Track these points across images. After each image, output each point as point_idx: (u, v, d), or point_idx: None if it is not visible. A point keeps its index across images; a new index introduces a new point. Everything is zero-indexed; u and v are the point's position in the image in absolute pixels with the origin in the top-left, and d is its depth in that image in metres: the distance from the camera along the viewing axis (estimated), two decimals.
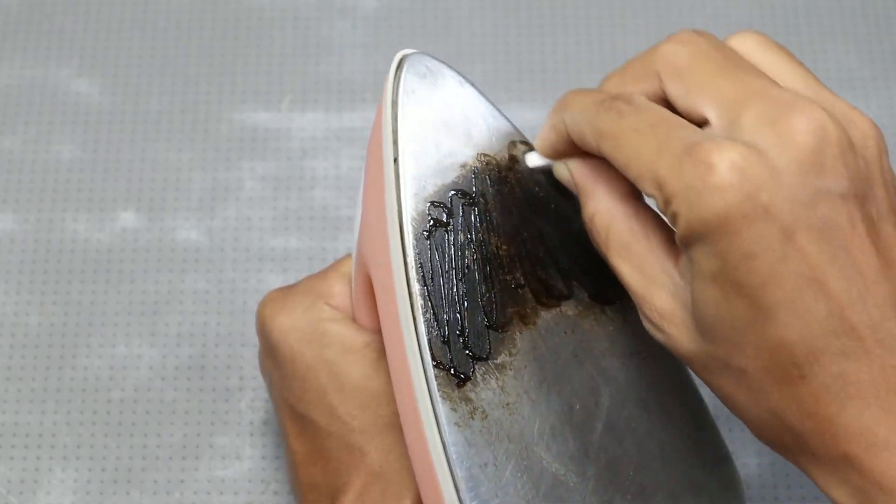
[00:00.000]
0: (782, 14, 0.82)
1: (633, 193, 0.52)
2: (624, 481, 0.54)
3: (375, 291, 0.57)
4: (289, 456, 0.62)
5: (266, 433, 0.71)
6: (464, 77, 0.56)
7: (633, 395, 0.54)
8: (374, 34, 0.81)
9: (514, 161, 0.56)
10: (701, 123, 0.49)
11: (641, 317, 0.51)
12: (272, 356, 0.62)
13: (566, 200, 0.56)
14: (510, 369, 0.53)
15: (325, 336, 0.61)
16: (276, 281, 0.75)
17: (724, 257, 0.46)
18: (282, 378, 0.62)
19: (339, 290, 0.62)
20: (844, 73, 0.81)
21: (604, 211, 0.52)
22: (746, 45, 0.51)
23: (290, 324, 0.61)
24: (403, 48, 0.57)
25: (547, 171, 0.55)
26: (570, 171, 0.53)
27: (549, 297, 0.54)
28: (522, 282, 0.54)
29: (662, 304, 0.49)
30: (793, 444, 0.48)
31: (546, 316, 0.54)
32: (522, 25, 0.82)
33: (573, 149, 0.53)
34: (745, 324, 0.47)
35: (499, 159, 0.55)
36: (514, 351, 0.53)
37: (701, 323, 0.48)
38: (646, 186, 0.48)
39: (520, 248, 0.54)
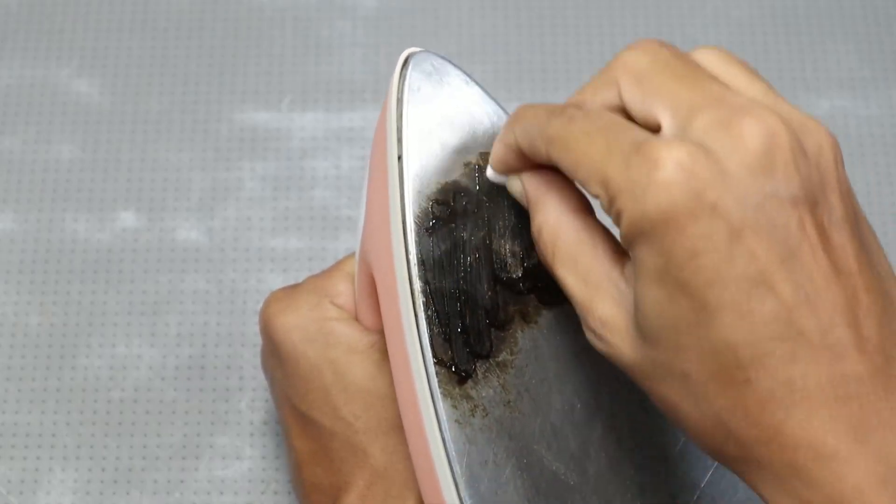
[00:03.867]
0: (782, 14, 0.82)
1: (582, 208, 0.51)
2: (624, 481, 0.54)
3: (378, 289, 0.57)
4: (291, 455, 0.62)
5: (266, 433, 0.71)
6: (469, 76, 0.56)
7: (634, 395, 0.54)
8: (374, 34, 0.81)
9: None
10: (655, 130, 0.48)
11: (584, 328, 0.50)
12: (275, 355, 0.62)
13: None
14: (511, 367, 0.53)
15: (329, 336, 0.61)
16: (276, 281, 0.75)
17: (669, 255, 0.45)
18: (285, 377, 0.62)
19: (344, 289, 0.62)
20: (844, 73, 0.81)
21: (552, 223, 0.51)
22: (708, 58, 0.50)
23: (295, 323, 0.61)
24: (403, 48, 0.57)
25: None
26: (523, 185, 0.52)
27: (552, 295, 0.54)
28: (525, 280, 0.54)
29: (605, 311, 0.48)
30: (738, 453, 0.47)
31: (548, 314, 0.54)
32: (522, 25, 0.82)
33: (525, 163, 0.52)
34: (689, 325, 0.46)
35: None
36: (515, 349, 0.53)
37: (643, 326, 0.47)
38: (592, 186, 0.47)
39: (522, 246, 0.54)
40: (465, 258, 0.54)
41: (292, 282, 0.69)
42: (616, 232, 0.48)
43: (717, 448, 0.47)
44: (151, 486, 0.70)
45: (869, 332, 0.46)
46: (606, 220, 0.49)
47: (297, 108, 0.79)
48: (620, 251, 0.49)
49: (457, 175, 0.54)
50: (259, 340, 0.67)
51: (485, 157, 0.55)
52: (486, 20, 0.82)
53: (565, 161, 0.49)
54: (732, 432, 0.46)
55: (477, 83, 0.56)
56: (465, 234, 0.54)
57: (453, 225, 0.54)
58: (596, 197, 0.48)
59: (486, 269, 0.54)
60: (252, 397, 0.72)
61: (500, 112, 0.56)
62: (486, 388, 0.53)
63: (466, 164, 0.55)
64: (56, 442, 0.71)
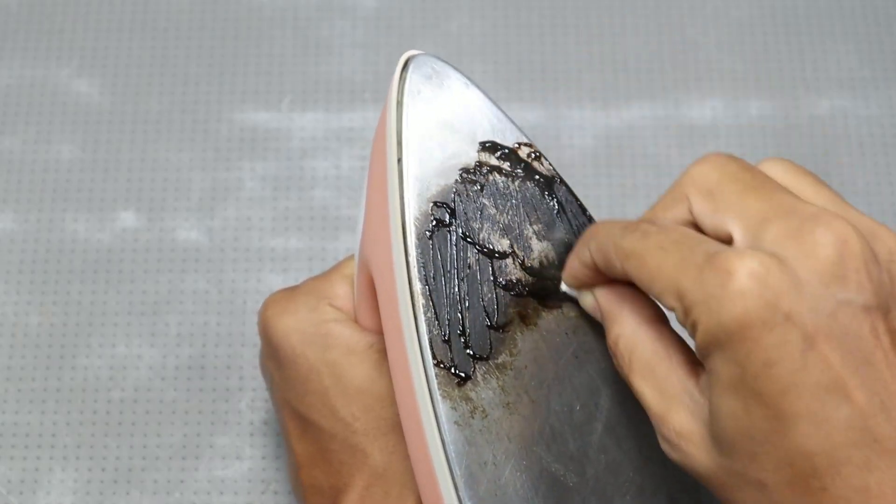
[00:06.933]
0: (782, 14, 0.82)
1: (657, 318, 0.52)
2: (623, 482, 0.54)
3: (377, 291, 0.57)
4: (290, 457, 0.62)
5: (266, 433, 0.71)
6: (469, 78, 0.56)
7: (633, 396, 0.54)
8: (374, 34, 0.81)
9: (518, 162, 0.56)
10: (727, 242, 0.49)
11: (659, 438, 0.50)
12: (274, 357, 0.62)
13: (569, 204, 0.56)
14: (511, 369, 0.53)
15: (328, 337, 0.61)
16: (276, 281, 0.75)
17: (744, 365, 0.46)
18: (284, 379, 0.62)
19: (343, 292, 0.62)
20: (844, 73, 0.81)
21: (628, 334, 0.51)
22: (775, 170, 0.51)
23: (294, 325, 0.61)
24: (403, 48, 0.57)
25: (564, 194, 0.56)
26: (596, 299, 0.53)
27: (551, 297, 0.54)
28: (524, 282, 0.54)
29: (681, 422, 0.49)
30: None
31: (548, 317, 0.54)
32: (522, 25, 0.82)
33: (598, 278, 0.53)
34: (765, 434, 0.46)
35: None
36: (514, 351, 0.53)
37: (719, 436, 0.48)
38: (667, 299, 0.48)
39: (522, 248, 0.54)
40: (464, 260, 0.54)
41: (292, 282, 0.69)
42: (691, 343, 0.49)
43: None
44: (151, 486, 0.70)
45: None
46: (681, 331, 0.50)
47: (297, 108, 0.80)
48: (695, 361, 0.50)
49: (457, 177, 0.54)
50: (259, 340, 0.67)
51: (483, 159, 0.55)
52: (486, 20, 0.82)
53: (641, 275, 0.49)
54: None
55: (477, 86, 0.56)
56: (464, 237, 0.54)
57: (453, 227, 0.54)
58: (672, 310, 0.48)
59: (485, 271, 0.54)
60: (252, 397, 0.72)
61: (500, 114, 0.56)
62: (486, 389, 0.53)
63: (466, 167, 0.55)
64: (56, 442, 0.71)
